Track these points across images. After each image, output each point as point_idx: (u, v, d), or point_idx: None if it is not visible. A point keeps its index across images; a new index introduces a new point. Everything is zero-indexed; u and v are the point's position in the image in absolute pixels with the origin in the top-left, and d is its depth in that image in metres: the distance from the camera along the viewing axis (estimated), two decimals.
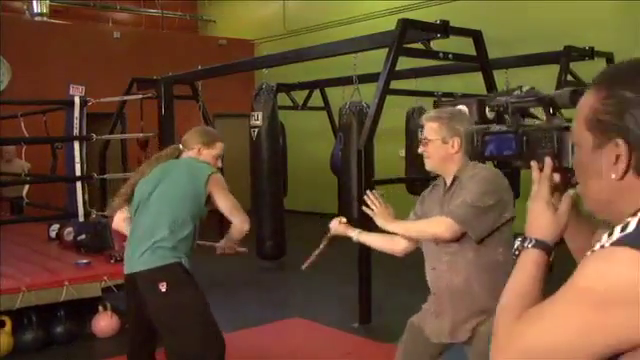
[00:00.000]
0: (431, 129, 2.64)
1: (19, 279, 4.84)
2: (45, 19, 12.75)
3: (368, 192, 2.76)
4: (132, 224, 3.12)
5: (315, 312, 5.53)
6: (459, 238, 2.50)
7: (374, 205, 2.70)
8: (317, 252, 2.96)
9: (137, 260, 2.98)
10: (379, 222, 2.68)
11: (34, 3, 12.69)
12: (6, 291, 4.63)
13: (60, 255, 5.80)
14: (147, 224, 3.01)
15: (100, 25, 13.86)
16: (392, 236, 2.78)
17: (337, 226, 2.92)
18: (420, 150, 2.67)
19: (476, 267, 2.52)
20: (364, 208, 2.73)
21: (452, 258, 2.56)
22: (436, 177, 2.80)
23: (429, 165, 2.65)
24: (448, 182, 2.63)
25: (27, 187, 7.83)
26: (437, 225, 2.50)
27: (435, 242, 2.61)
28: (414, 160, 8.85)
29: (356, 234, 2.86)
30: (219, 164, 3.22)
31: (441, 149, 2.60)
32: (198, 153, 3.18)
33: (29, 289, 4.67)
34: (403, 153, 9.10)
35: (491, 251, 2.54)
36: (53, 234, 6.51)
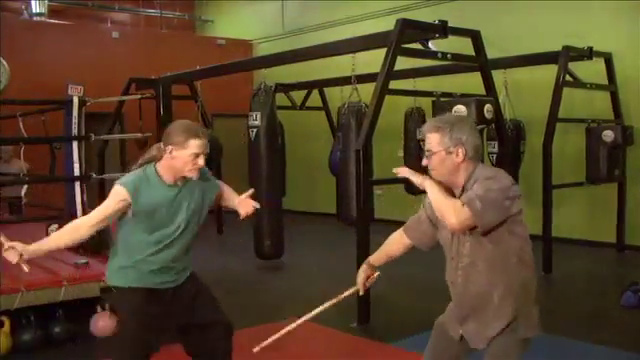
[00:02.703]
0: (433, 140, 2.54)
1: (18, 279, 4.83)
2: (44, 19, 12.74)
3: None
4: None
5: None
6: (470, 250, 2.53)
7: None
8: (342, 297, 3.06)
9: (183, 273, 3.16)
10: (416, 179, 2.57)
11: (33, 3, 12.68)
12: (5, 291, 4.63)
13: (59, 255, 5.76)
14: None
15: (99, 25, 13.85)
16: (453, 201, 2.50)
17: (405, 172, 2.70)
18: (424, 163, 2.60)
19: (488, 275, 2.52)
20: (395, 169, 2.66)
21: (465, 271, 2.57)
22: None
23: (436, 178, 2.57)
24: (457, 193, 2.55)
25: (26, 187, 7.82)
26: (454, 213, 2.41)
27: (451, 256, 2.63)
28: (412, 160, 8.87)
29: (421, 180, 2.60)
30: (199, 163, 2.90)
31: (446, 160, 2.52)
32: (171, 156, 2.90)
33: (28, 289, 4.66)
34: (401, 153, 9.11)
35: (503, 254, 2.52)
36: (52, 234, 6.50)
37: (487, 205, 2.40)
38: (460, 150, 2.50)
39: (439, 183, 2.52)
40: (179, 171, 2.93)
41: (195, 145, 2.87)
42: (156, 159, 2.97)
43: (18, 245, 2.84)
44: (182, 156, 2.88)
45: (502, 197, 2.44)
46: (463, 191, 2.53)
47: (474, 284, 2.55)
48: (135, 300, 3.00)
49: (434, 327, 2.84)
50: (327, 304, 2.98)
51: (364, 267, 2.91)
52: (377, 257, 2.92)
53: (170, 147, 2.88)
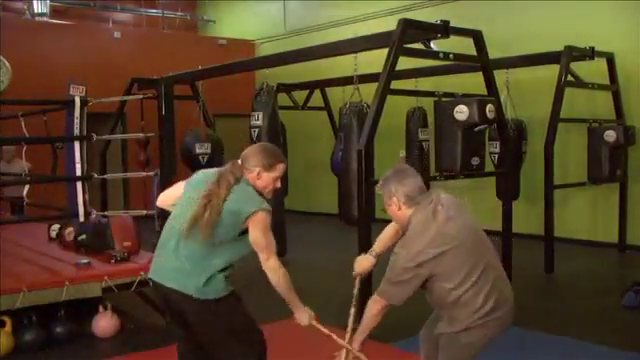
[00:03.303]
0: (382, 199, 2.99)
1: (20, 279, 4.84)
2: (46, 19, 12.76)
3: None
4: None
5: (315, 312, 5.52)
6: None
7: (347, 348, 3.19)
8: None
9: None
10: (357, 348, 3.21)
11: (35, 3, 12.70)
12: (7, 291, 4.63)
13: (61, 255, 5.79)
14: None
15: (100, 25, 13.86)
16: (389, 234, 3.23)
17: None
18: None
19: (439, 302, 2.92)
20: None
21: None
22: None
23: (397, 226, 3.08)
24: None
25: (28, 187, 7.83)
26: (373, 305, 2.98)
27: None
28: (414, 160, 8.86)
29: (372, 261, 3.31)
30: (278, 184, 3.08)
31: (391, 210, 2.96)
32: (257, 176, 3.00)
33: (30, 289, 4.67)
34: (403, 153, 9.09)
35: (443, 294, 2.84)
36: (54, 234, 6.51)
37: (393, 283, 2.85)
38: (394, 199, 2.92)
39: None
40: (259, 191, 3.04)
41: (281, 169, 3.06)
42: (238, 177, 3.00)
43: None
44: (267, 178, 3.02)
45: (405, 271, 2.80)
46: None
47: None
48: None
49: (420, 339, 3.30)
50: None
51: (372, 260, 3.29)
52: (382, 248, 3.26)
53: (258, 169, 2.99)
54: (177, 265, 2.90)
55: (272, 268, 2.96)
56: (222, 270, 2.93)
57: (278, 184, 3.07)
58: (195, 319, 2.92)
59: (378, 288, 2.91)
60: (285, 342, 4.94)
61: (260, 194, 3.01)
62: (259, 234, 2.89)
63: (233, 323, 3.02)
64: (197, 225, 2.85)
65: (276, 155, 3.06)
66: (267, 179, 3.01)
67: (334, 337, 3.19)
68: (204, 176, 3.06)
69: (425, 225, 2.80)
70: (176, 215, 3.02)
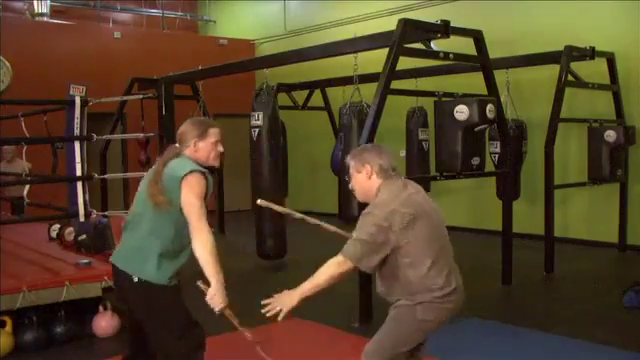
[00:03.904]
0: (349, 166, 3.03)
1: (20, 279, 4.85)
2: (46, 19, 12.76)
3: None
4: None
5: (315, 312, 5.51)
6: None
7: (272, 302, 2.97)
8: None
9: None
10: (288, 304, 2.95)
11: (35, 3, 12.70)
12: (7, 291, 4.63)
13: (61, 255, 5.80)
14: None
15: (101, 25, 13.85)
16: (331, 273, 2.95)
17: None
18: (350, 187, 3.07)
19: (388, 278, 2.92)
20: (268, 315, 2.94)
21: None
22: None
23: (357, 197, 3.08)
24: None
25: (28, 187, 7.83)
26: (337, 267, 2.89)
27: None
28: (414, 160, 8.86)
29: (294, 302, 3.02)
30: (220, 148, 3.10)
31: (358, 178, 2.99)
32: (194, 148, 3.05)
33: (30, 289, 4.67)
34: (403, 153, 9.10)
35: (406, 271, 2.84)
36: (54, 234, 6.51)
37: (362, 246, 2.80)
38: (366, 167, 2.96)
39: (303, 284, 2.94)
40: (203, 163, 3.05)
41: (215, 133, 3.08)
42: (177, 153, 3.07)
43: None
44: (205, 146, 3.05)
45: (378, 231, 2.78)
46: None
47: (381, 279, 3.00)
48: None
49: None
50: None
51: (295, 301, 3.04)
52: (312, 291, 3.04)
53: (193, 140, 3.03)
54: (126, 244, 3.10)
55: (199, 229, 2.89)
56: (161, 255, 3.00)
57: (220, 148, 3.09)
58: (129, 297, 3.08)
59: (343, 249, 2.84)
60: (285, 342, 4.94)
61: (203, 165, 3.04)
62: (189, 193, 2.90)
63: (165, 315, 3.09)
64: (146, 204, 2.98)
65: (205, 122, 3.15)
66: (205, 147, 3.05)
67: (246, 334, 3.15)
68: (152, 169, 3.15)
69: (397, 191, 2.88)
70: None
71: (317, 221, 3.40)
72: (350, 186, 3.06)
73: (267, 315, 2.87)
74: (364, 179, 2.97)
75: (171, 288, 3.06)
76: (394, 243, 2.78)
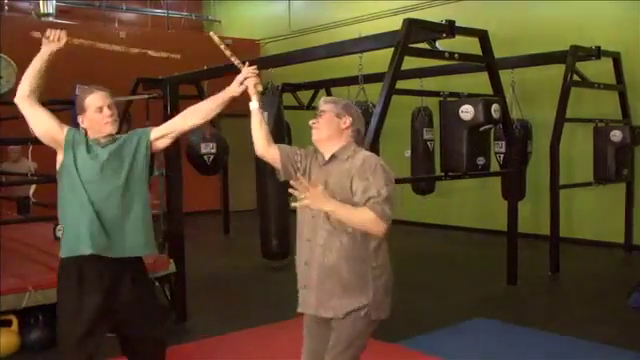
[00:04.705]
0: (328, 105, 2.83)
1: (26, 278, 4.86)
2: (51, 19, 12.78)
3: (294, 183, 2.63)
4: None
5: None
6: (326, 239, 2.68)
7: (305, 192, 2.56)
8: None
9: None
10: (316, 207, 2.60)
11: (41, 3, 12.73)
12: (13, 290, 4.66)
13: None
14: None
15: (106, 25, 13.88)
16: (270, 138, 3.08)
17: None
18: (311, 122, 2.84)
19: (348, 253, 2.65)
20: (294, 204, 2.65)
21: (328, 236, 2.68)
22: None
23: (317, 136, 2.81)
24: (326, 157, 2.79)
25: (34, 187, 7.85)
26: (375, 225, 2.56)
27: (312, 214, 2.72)
28: (419, 160, 8.84)
29: (256, 107, 3.18)
30: (107, 113, 2.98)
31: (333, 122, 2.78)
32: (82, 121, 3.04)
33: (35, 288, 4.69)
34: (409, 153, 9.09)
35: (366, 242, 2.66)
36: (59, 234, 6.49)
37: (391, 205, 2.59)
38: (348, 119, 2.80)
39: (342, 204, 2.58)
40: (98, 132, 3.00)
41: (95, 98, 3.00)
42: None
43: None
44: (89, 115, 3.00)
45: (392, 189, 2.64)
46: (332, 158, 2.76)
47: (330, 254, 2.70)
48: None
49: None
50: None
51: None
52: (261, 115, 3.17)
53: (79, 117, 3.03)
54: None
55: None
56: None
57: (106, 112, 2.99)
58: None
59: (379, 209, 2.54)
60: (288, 342, 4.94)
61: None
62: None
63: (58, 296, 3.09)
64: None
65: (84, 91, 3.09)
66: (89, 116, 3.00)
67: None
68: None
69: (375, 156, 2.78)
70: None
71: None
72: (312, 122, 2.84)
73: (294, 195, 2.59)
74: (338, 125, 2.78)
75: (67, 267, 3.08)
76: None
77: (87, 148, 2.96)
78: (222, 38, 3.28)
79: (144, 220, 3.02)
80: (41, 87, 2.99)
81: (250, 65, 3.15)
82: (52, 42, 2.90)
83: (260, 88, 3.05)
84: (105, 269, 2.92)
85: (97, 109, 2.98)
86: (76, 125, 3.03)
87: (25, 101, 2.97)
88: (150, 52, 3.10)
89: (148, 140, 3.09)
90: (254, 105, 3.12)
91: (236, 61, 3.10)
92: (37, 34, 2.89)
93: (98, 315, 2.92)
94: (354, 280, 2.65)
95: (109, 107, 3.00)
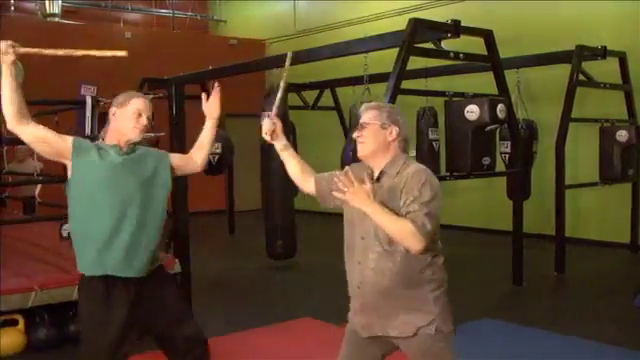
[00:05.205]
0: (370, 115, 2.60)
1: (32, 278, 4.88)
2: (57, 20, 12.82)
3: (339, 173, 2.58)
4: None
5: (326, 312, 5.53)
6: (380, 231, 2.47)
7: (349, 186, 2.44)
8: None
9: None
10: (356, 204, 2.45)
11: (47, 4, 12.77)
12: (19, 290, 4.67)
13: (72, 254, 5.79)
14: None
15: (111, 25, 13.92)
16: (306, 169, 2.85)
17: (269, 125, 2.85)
18: (355, 135, 2.61)
19: (401, 273, 2.48)
20: (335, 193, 2.50)
21: (379, 258, 2.50)
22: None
23: (363, 152, 2.60)
24: (376, 173, 2.58)
25: (39, 187, 7.88)
26: (412, 238, 2.39)
27: (362, 235, 2.55)
28: (425, 160, 8.84)
29: (281, 146, 2.86)
30: (143, 122, 2.92)
31: (379, 134, 2.56)
32: (114, 117, 2.94)
33: (42, 288, 4.70)
34: (414, 153, 9.07)
35: (419, 261, 2.49)
36: (65, 233, 6.53)
37: (433, 222, 2.42)
38: (394, 129, 2.56)
39: (383, 209, 2.42)
40: (121, 134, 2.93)
41: (136, 103, 2.93)
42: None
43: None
44: (122, 115, 2.92)
45: (438, 202, 2.47)
46: (382, 174, 2.55)
47: (383, 277, 2.52)
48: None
49: (345, 334, 2.79)
50: None
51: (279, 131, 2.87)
52: (291, 151, 2.91)
53: (114, 109, 2.93)
54: None
55: None
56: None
57: (143, 121, 2.93)
58: None
59: (420, 222, 2.38)
60: (295, 341, 4.95)
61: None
62: None
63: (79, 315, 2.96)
64: None
65: (132, 94, 3.02)
66: (122, 116, 2.92)
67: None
68: None
69: (426, 170, 2.58)
70: None
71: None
72: (356, 135, 2.60)
73: (335, 192, 2.48)
74: (384, 138, 2.56)
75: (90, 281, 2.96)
76: None
77: (99, 153, 2.87)
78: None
79: (158, 236, 2.97)
80: (24, 100, 2.81)
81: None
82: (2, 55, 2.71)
83: (279, 133, 2.87)
84: (129, 280, 2.86)
85: (137, 112, 2.92)
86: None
87: (19, 127, 2.78)
88: (94, 52, 3.00)
89: (169, 164, 3.07)
90: (277, 147, 2.90)
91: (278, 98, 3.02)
92: None
93: (127, 325, 2.85)
94: (411, 299, 2.51)
95: (148, 117, 2.96)
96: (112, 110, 2.93)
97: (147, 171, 2.95)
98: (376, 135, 2.56)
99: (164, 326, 2.98)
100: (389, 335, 2.56)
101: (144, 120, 2.92)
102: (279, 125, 2.86)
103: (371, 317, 2.58)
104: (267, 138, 2.86)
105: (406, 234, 2.38)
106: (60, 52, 2.99)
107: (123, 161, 2.89)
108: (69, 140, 2.87)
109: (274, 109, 2.93)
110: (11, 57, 2.70)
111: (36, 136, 2.82)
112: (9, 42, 2.71)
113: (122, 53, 2.70)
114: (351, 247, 2.63)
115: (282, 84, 3.01)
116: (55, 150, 2.85)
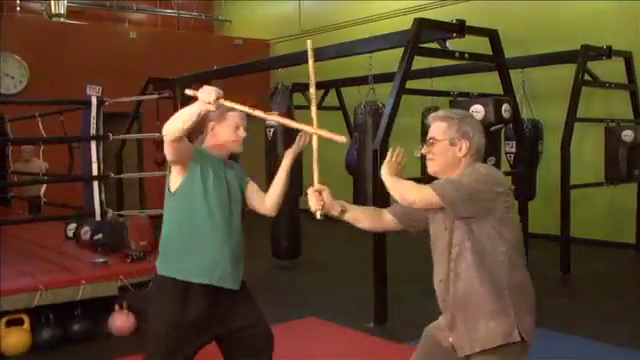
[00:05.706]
0: (439, 128, 2.50)
1: (37, 278, 4.89)
2: (63, 20, 12.85)
3: (394, 151, 2.62)
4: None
5: (330, 312, 5.53)
6: (459, 241, 2.40)
7: (392, 157, 2.57)
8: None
9: None
10: (382, 170, 2.58)
11: (52, 4, 12.80)
12: (24, 289, 4.68)
13: (77, 254, 5.84)
14: None
15: (117, 26, 13.94)
16: (372, 213, 2.80)
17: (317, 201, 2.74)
18: (424, 151, 2.54)
19: (478, 270, 2.39)
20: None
21: (454, 263, 2.44)
22: None
23: (432, 168, 2.52)
24: None
25: (45, 187, 7.90)
26: (416, 190, 2.42)
27: (440, 252, 2.50)
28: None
29: (339, 212, 2.77)
30: (241, 134, 2.98)
31: (448, 151, 2.46)
32: (212, 132, 2.96)
33: (47, 288, 4.71)
34: (419, 153, 9.05)
35: (492, 251, 2.38)
36: (70, 233, 6.56)
37: (456, 186, 2.32)
38: (464, 144, 2.44)
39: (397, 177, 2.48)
40: (221, 147, 2.98)
41: (233, 116, 2.96)
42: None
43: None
44: (222, 130, 2.96)
45: (478, 185, 2.34)
46: None
47: (460, 280, 2.44)
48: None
49: (422, 337, 2.74)
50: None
51: (338, 208, 2.84)
52: (352, 211, 2.85)
53: (212, 123, 2.94)
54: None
55: None
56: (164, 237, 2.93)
57: (241, 133, 2.98)
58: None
59: (436, 184, 2.39)
60: (300, 341, 4.95)
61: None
62: None
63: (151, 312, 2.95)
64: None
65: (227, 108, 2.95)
66: (223, 129, 2.95)
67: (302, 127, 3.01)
68: None
69: (492, 168, 2.52)
70: None
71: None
72: (425, 150, 2.54)
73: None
74: (454, 154, 2.46)
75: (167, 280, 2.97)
76: (493, 200, 2.35)
77: (212, 167, 2.92)
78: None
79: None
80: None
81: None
82: (204, 103, 2.65)
83: (327, 202, 2.81)
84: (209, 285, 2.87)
85: (235, 126, 2.97)
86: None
87: (173, 143, 2.72)
88: (309, 129, 3.02)
89: (245, 185, 3.16)
90: (336, 216, 2.84)
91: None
92: (190, 92, 2.69)
93: (200, 328, 2.85)
94: (491, 304, 2.39)
95: (244, 129, 3.01)
96: (210, 125, 2.94)
97: (239, 187, 3.10)
98: (445, 152, 2.47)
99: (240, 327, 2.98)
100: (473, 351, 2.45)
101: (242, 132, 2.99)
102: (326, 193, 2.77)
103: (454, 329, 2.51)
104: (318, 215, 2.74)
105: (413, 188, 2.45)
106: (270, 117, 3.09)
107: (228, 174, 3.00)
108: (191, 150, 2.89)
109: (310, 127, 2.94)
110: (210, 107, 2.66)
111: (180, 146, 2.79)
112: (219, 92, 2.69)
113: (341, 139, 2.65)
114: (435, 262, 2.58)
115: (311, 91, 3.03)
116: (186, 146, 2.81)
